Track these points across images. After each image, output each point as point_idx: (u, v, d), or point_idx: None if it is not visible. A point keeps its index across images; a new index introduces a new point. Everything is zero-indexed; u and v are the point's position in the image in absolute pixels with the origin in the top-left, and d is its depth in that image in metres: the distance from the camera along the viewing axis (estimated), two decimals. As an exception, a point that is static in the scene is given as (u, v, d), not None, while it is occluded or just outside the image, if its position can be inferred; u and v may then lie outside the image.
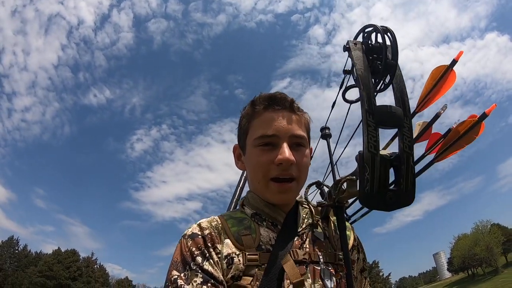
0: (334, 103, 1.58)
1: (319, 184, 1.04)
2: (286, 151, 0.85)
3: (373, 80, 0.81)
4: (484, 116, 0.72)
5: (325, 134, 1.09)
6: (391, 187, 0.76)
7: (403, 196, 0.74)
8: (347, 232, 0.97)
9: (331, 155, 1.03)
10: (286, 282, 0.78)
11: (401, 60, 0.81)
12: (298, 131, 0.91)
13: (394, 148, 0.81)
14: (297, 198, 0.99)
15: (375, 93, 0.86)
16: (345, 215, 2.25)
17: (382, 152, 0.76)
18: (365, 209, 2.09)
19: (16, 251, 50.95)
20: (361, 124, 0.77)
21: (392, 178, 0.77)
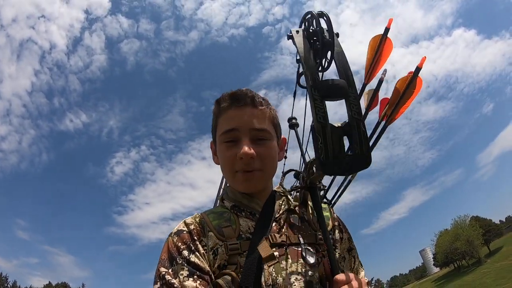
0: (295, 92, 1.65)
1: (297, 174, 1.08)
2: (245, 147, 0.92)
3: (317, 60, 0.87)
4: (418, 70, 0.77)
5: (292, 124, 1.14)
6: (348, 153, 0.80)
7: (358, 160, 0.78)
8: (326, 213, 1.01)
9: (300, 143, 1.06)
10: (265, 265, 0.82)
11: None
12: (260, 124, 0.97)
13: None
14: (275, 188, 1.04)
15: (322, 72, 0.92)
16: (325, 200, 2.25)
17: (333, 123, 0.81)
18: (342, 188, 2.10)
19: None
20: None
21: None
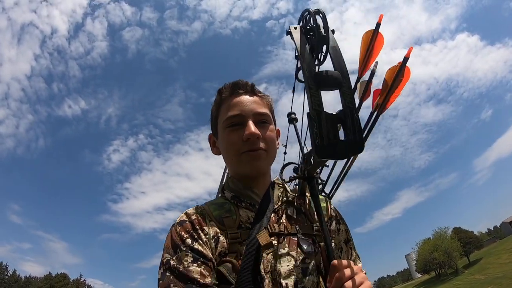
0: (294, 87, 1.70)
1: (296, 168, 1.13)
2: (252, 127, 0.97)
3: (313, 54, 0.93)
4: (406, 60, 0.83)
5: (291, 118, 1.17)
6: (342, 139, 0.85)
7: (352, 145, 0.83)
8: (323, 204, 1.05)
9: (299, 137, 1.09)
10: (264, 253, 0.86)
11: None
12: (261, 109, 1.03)
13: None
14: (273, 179, 1.09)
15: (318, 65, 0.98)
16: (323, 192, 2.28)
17: (328, 112, 0.86)
18: (340, 179, 2.14)
19: (6, 277, 50.58)
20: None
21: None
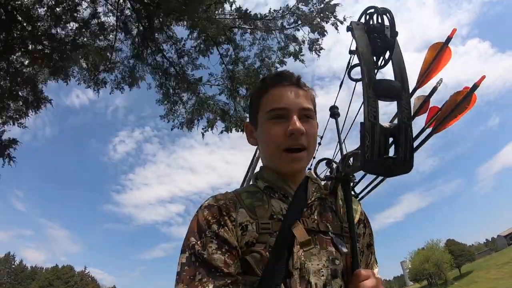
0: (342, 82, 1.64)
1: (328, 162, 1.09)
2: (296, 122, 0.91)
3: (374, 57, 0.86)
4: (475, 87, 0.77)
5: (334, 112, 1.11)
6: (391, 155, 0.81)
7: (401, 163, 0.78)
8: (354, 206, 1.01)
9: (339, 133, 1.04)
10: (296, 247, 0.83)
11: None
12: (306, 104, 0.97)
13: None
14: (307, 173, 1.05)
15: (376, 70, 0.92)
16: (353, 192, 2.28)
17: (382, 123, 0.81)
18: (372, 185, 2.13)
19: (13, 266, 52.84)
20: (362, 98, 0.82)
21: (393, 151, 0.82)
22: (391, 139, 0.82)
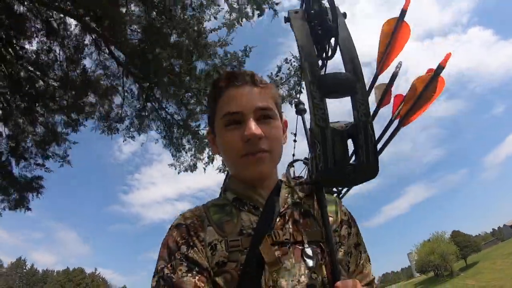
0: (301, 76, 1.52)
1: (306, 163, 0.99)
2: (252, 126, 0.80)
3: (318, 48, 0.74)
4: (440, 69, 0.63)
5: (300, 109, 0.96)
6: (352, 160, 0.69)
7: (363, 169, 0.67)
8: (333, 207, 0.91)
9: (306, 131, 0.91)
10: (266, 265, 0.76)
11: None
12: (263, 103, 0.85)
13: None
14: (280, 178, 0.94)
15: (325, 62, 0.79)
16: (333, 190, 2.13)
17: (335, 124, 0.69)
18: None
19: (25, 271, 54.58)
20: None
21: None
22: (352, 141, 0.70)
